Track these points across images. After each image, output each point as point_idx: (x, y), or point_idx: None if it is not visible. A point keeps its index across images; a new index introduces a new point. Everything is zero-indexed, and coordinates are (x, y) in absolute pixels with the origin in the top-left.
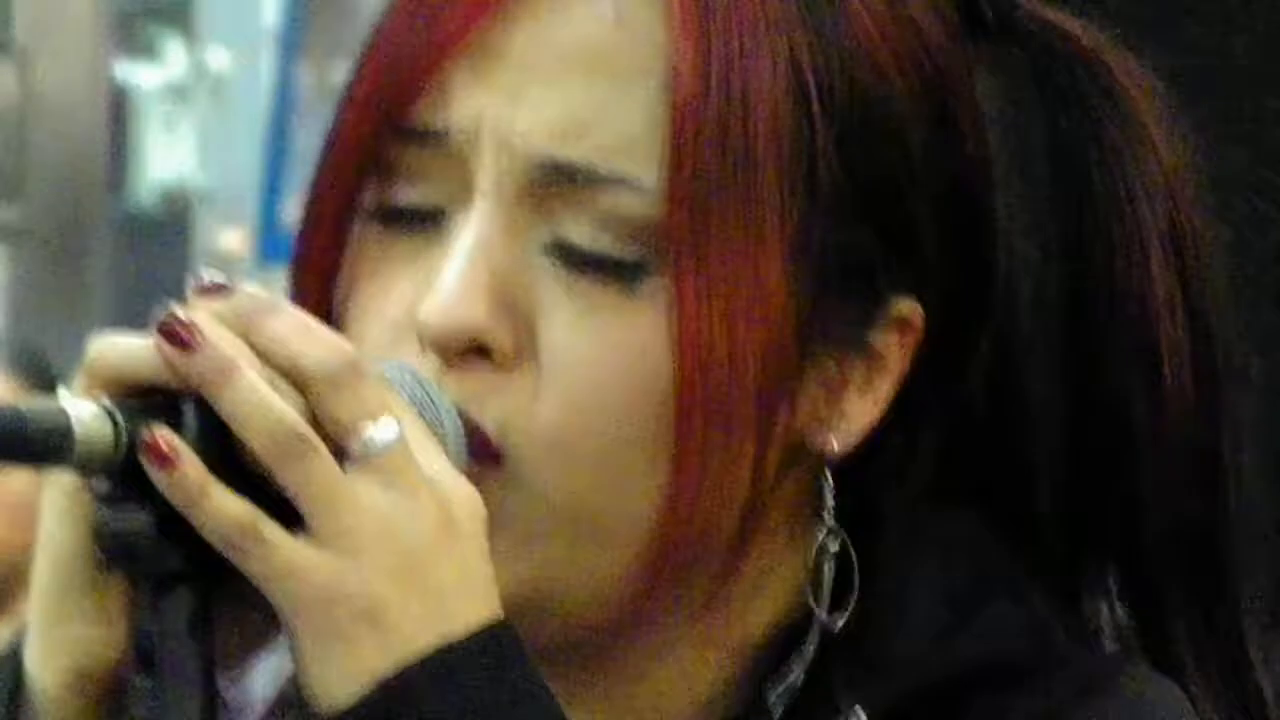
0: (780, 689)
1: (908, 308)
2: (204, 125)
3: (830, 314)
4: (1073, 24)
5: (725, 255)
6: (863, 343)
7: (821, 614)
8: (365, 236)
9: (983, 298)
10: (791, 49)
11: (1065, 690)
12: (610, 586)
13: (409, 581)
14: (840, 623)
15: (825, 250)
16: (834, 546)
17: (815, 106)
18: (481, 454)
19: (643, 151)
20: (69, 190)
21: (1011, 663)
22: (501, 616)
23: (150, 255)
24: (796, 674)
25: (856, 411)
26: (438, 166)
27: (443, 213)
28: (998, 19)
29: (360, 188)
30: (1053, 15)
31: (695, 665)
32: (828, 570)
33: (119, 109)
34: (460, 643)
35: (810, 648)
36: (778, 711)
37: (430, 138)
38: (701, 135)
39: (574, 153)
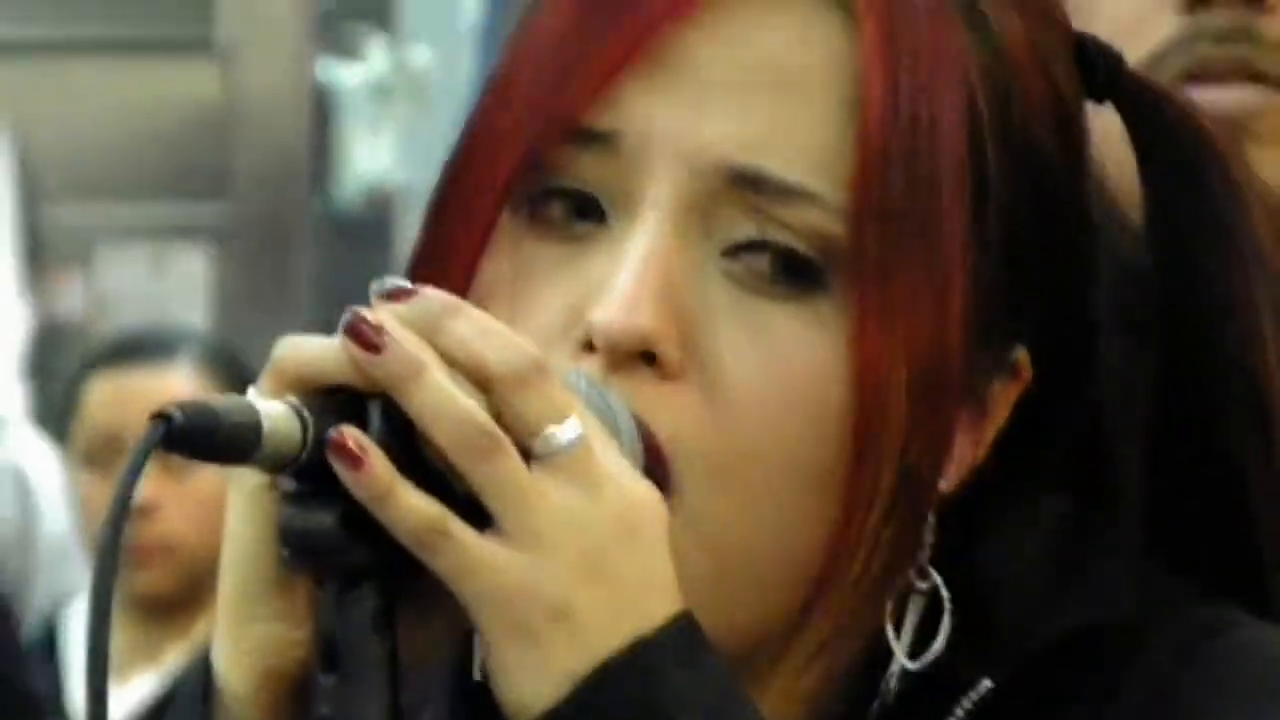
0: (891, 681)
1: (1021, 356)
2: (406, 123)
3: (979, 356)
4: (1183, 96)
5: (910, 279)
6: (986, 389)
7: (900, 652)
8: (512, 231)
9: (1086, 356)
10: (968, 83)
11: (1186, 638)
12: (752, 624)
13: (597, 578)
14: (921, 664)
15: (986, 290)
16: (923, 585)
17: (987, 142)
18: (655, 470)
19: (828, 168)
20: (272, 189)
21: (1125, 615)
22: (687, 610)
23: (353, 253)
24: (896, 672)
25: (966, 454)
26: (601, 170)
27: (601, 214)
28: (1109, 80)
29: (514, 179)
30: (1160, 85)
31: (802, 657)
32: (912, 610)
33: (321, 108)
34: (651, 638)
35: (893, 680)
36: (890, 695)
37: (598, 143)
38: (890, 157)
39: (759, 161)
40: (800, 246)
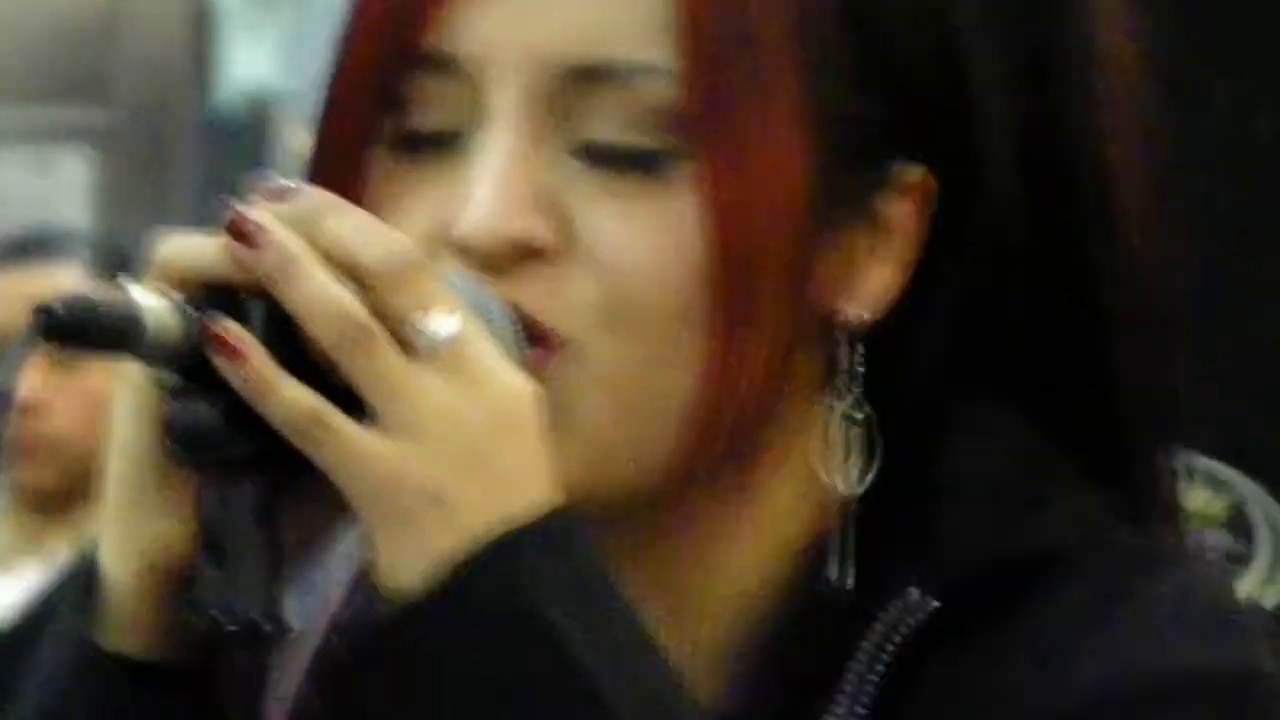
0: (828, 573)
1: (917, 174)
2: (286, 30)
3: (844, 182)
4: None
5: (745, 126)
6: (874, 211)
7: (833, 481)
8: (381, 165)
9: (970, 176)
10: None
11: (1117, 571)
12: (657, 462)
13: (472, 467)
14: (858, 491)
15: (835, 119)
16: (858, 415)
17: None
18: (543, 342)
19: (655, 39)
20: (155, 94)
21: (1065, 548)
22: (561, 500)
23: (233, 155)
24: (834, 553)
25: (874, 278)
26: (450, 92)
27: (458, 136)
28: None
29: (374, 117)
30: None
31: (736, 551)
32: (839, 433)
33: (203, 13)
34: (523, 525)
35: (835, 524)
36: (828, 604)
37: (441, 63)
38: (710, 15)
39: (592, 51)
40: (645, 140)
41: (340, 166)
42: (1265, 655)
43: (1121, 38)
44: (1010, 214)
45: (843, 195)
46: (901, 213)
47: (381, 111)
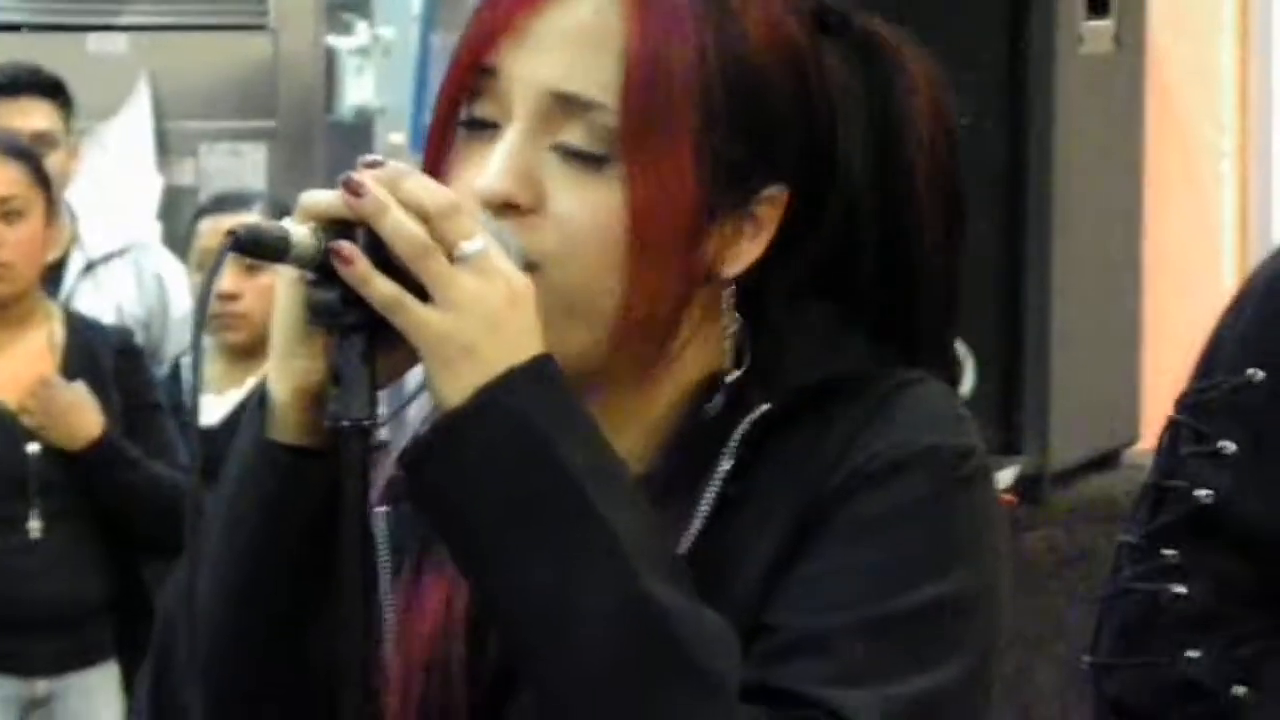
0: (711, 405)
1: (776, 191)
2: (379, 72)
3: (724, 193)
4: (882, 26)
5: (656, 151)
6: (749, 212)
7: (728, 365)
8: (458, 139)
9: (825, 190)
10: (700, 37)
11: (887, 388)
12: (599, 348)
13: (490, 331)
14: (737, 375)
15: (718, 156)
16: (733, 327)
17: (713, 74)
18: (525, 264)
19: (609, 89)
20: (302, 109)
21: (856, 374)
22: (548, 353)
23: (349, 148)
24: (719, 399)
25: (746, 251)
26: (497, 95)
27: (497, 125)
28: (836, 25)
29: (458, 104)
30: (868, 20)
31: (653, 396)
32: (729, 340)
33: (330, 63)
34: (522, 365)
35: (722, 388)
36: (719, 405)
37: (493, 72)
38: (643, 83)
39: (569, 87)
40: (593, 148)
41: (441, 134)
42: (976, 438)
43: (936, 102)
44: (855, 214)
45: (725, 201)
46: (767, 214)
47: (462, 102)
